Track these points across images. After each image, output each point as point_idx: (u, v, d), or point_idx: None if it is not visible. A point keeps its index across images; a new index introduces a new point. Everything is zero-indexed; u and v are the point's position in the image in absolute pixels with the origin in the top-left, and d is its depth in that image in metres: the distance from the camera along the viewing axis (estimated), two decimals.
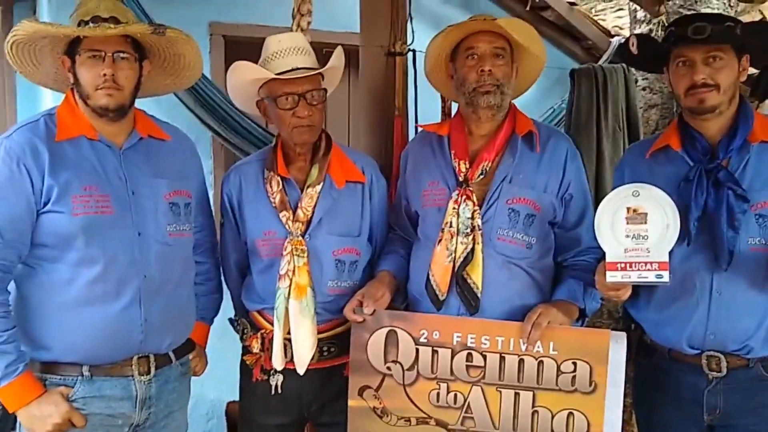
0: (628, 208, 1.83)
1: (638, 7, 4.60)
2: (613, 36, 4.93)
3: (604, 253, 1.85)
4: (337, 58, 2.14)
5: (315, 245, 2.12)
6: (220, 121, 3.55)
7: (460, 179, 2.09)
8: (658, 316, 2.04)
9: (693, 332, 1.96)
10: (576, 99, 3.65)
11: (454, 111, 2.79)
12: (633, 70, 3.98)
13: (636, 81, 4.07)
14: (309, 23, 2.56)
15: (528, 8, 4.45)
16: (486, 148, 2.11)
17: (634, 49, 2.03)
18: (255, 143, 3.56)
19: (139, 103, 2.03)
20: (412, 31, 2.72)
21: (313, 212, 2.14)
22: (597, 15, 5.27)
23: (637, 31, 4.60)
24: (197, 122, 3.64)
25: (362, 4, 2.71)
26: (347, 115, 3.84)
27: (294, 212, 2.13)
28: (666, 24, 4.30)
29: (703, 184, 1.93)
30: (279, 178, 2.16)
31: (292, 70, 2.08)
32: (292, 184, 2.17)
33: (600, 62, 4.65)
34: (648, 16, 4.48)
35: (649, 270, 1.79)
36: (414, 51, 2.75)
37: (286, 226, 2.12)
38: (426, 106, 2.86)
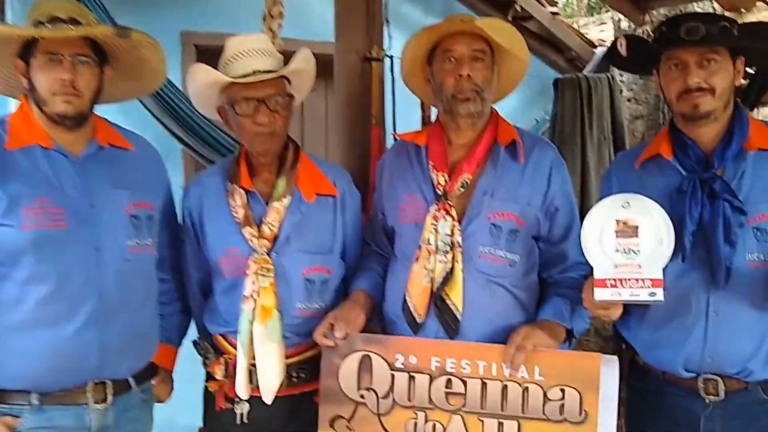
0: (618, 221, 1.70)
1: (622, 18, 4.52)
2: (596, 47, 4.84)
3: (592, 269, 1.71)
4: (303, 59, 1.99)
5: (282, 264, 1.98)
6: (191, 132, 3.39)
7: (439, 192, 1.95)
8: (652, 337, 1.90)
9: (689, 354, 1.83)
10: (560, 109, 3.54)
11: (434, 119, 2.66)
12: (618, 80, 3.89)
13: (621, 91, 3.98)
14: (280, 26, 2.41)
15: (510, 18, 4.34)
16: (466, 159, 1.96)
17: (622, 50, 1.90)
18: (226, 155, 3.39)
19: (106, 114, 1.94)
20: (389, 36, 2.58)
21: (279, 228, 1.99)
22: (580, 29, 5.17)
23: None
24: (167, 134, 3.47)
25: (337, 8, 2.57)
26: (324, 127, 3.69)
27: (259, 228, 1.98)
28: (650, 33, 4.22)
29: (697, 195, 1.80)
30: (242, 191, 2.01)
31: (252, 73, 1.92)
32: (256, 198, 2.02)
33: (585, 71, 4.55)
34: (632, 26, 4.40)
35: (641, 287, 1.66)
36: (391, 57, 2.60)
37: (251, 243, 1.97)
38: (404, 114, 2.73)
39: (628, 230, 1.69)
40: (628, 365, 2.00)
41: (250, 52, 1.96)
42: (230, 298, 2.02)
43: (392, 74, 2.66)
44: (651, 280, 1.66)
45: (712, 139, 1.86)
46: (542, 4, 4.31)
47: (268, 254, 1.97)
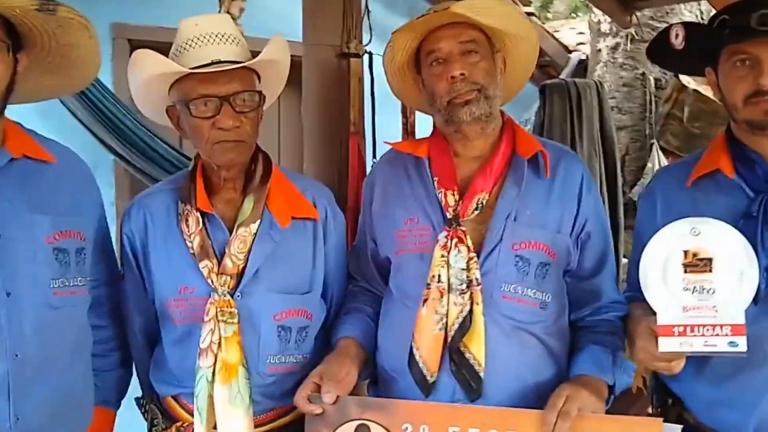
0: (686, 252, 1.43)
1: (602, 20, 4.31)
2: (571, 51, 4.62)
3: (654, 313, 1.43)
4: (277, 48, 1.62)
5: (249, 307, 1.63)
6: (124, 141, 3.00)
7: (449, 216, 1.62)
8: (713, 393, 1.59)
9: (763, 416, 1.52)
10: (548, 118, 3.25)
11: (419, 127, 2.33)
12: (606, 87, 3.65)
13: None
14: (242, 10, 2.01)
15: None
16: (480, 174, 1.63)
17: (677, 42, 1.59)
18: (168, 169, 3.00)
19: (20, 118, 1.60)
20: (370, 29, 2.22)
21: (246, 261, 1.63)
22: (554, 33, 4.96)
23: (603, 44, 4.30)
24: (95, 142, 3.05)
25: None
26: (284, 136, 3.30)
27: (220, 261, 1.62)
28: (634, 35, 4.04)
29: None
30: (199, 215, 1.64)
31: (212, 63, 1.55)
32: (217, 223, 1.65)
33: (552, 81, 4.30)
34: (613, 28, 4.18)
35: (718, 336, 1.39)
36: (371, 53, 2.24)
37: (209, 281, 1.61)
38: (387, 119, 2.36)
39: (699, 263, 1.42)
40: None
41: (209, 38, 1.58)
42: (183, 351, 1.66)
43: (371, 73, 2.30)
44: (730, 326, 1.38)
45: None
46: (515, 3, 4.05)
47: (231, 295, 1.62)
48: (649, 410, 1.85)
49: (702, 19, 4.11)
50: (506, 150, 1.66)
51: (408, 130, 2.40)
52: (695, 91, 3.68)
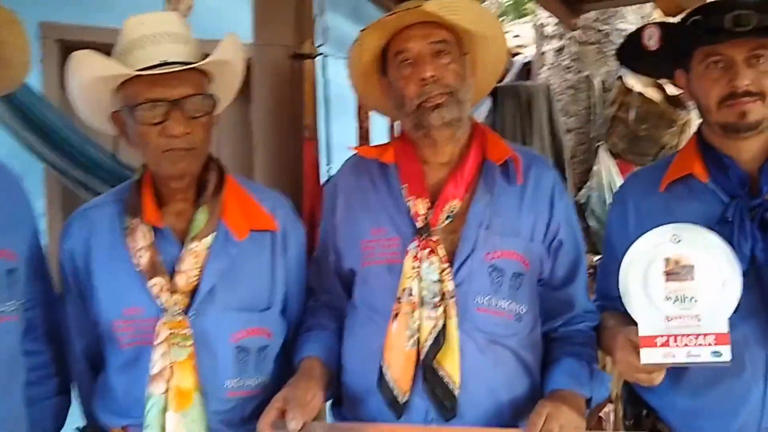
0: (668, 260, 1.38)
1: (546, 23, 4.32)
2: (515, 55, 4.62)
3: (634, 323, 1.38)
4: (231, 47, 1.51)
5: (204, 327, 1.51)
6: (55, 147, 2.77)
7: (419, 225, 1.53)
8: (691, 404, 1.56)
9: (742, 427, 1.50)
10: (499, 121, 3.22)
11: (374, 132, 2.24)
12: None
13: None
14: (189, 8, 1.87)
15: None
16: (451, 180, 1.56)
17: (652, 43, 1.55)
18: (103, 178, 2.80)
19: None
20: (324, 29, 2.12)
21: (200, 278, 1.51)
22: None
23: (548, 47, 4.30)
24: (24, 149, 2.83)
25: None
26: (238, 142, 3.15)
27: (171, 279, 1.50)
28: (578, 38, 4.05)
29: (746, 226, 1.49)
30: (147, 229, 1.52)
31: (160, 64, 1.43)
32: (167, 237, 1.53)
33: (504, 82, 4.29)
34: (558, 31, 4.20)
35: (701, 345, 1.35)
36: (324, 55, 2.14)
37: (159, 300, 1.49)
38: (341, 124, 2.27)
39: (680, 272, 1.38)
40: None
41: (157, 37, 1.45)
42: (131, 378, 1.53)
43: (324, 76, 2.20)
44: (714, 335, 1.34)
45: (754, 155, 1.55)
46: None
47: (184, 315, 1.49)
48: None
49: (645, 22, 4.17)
50: (476, 155, 1.60)
51: (363, 135, 2.31)
52: (640, 93, 3.72)
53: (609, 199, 3.85)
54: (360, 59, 1.59)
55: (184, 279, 1.50)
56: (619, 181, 3.93)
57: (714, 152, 1.58)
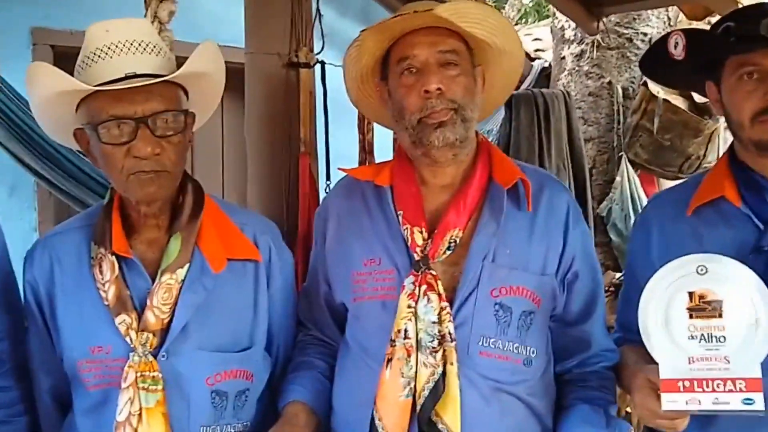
0: (692, 294, 1.28)
1: (566, 26, 4.14)
2: (533, 59, 4.44)
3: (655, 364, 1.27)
4: (206, 57, 1.37)
5: (177, 370, 1.37)
6: (45, 159, 2.67)
7: (416, 257, 1.38)
8: None
9: None
10: (514, 130, 3.05)
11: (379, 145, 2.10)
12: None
13: None
14: (172, 13, 1.73)
15: None
16: (452, 206, 1.41)
17: (678, 52, 1.39)
18: (96, 190, 2.70)
19: None
20: (322, 35, 1.97)
21: (172, 314, 1.38)
22: None
23: (567, 52, 4.13)
24: (14, 162, 2.73)
25: None
26: (221, 157, 3.02)
27: (140, 315, 1.37)
28: (600, 42, 3.87)
29: None
30: (114, 259, 1.38)
31: (126, 77, 1.30)
32: (136, 269, 1.40)
33: (522, 89, 4.11)
34: (578, 35, 4.02)
35: (730, 392, 1.24)
36: (323, 63, 2.00)
37: (128, 339, 1.35)
38: (341, 137, 2.12)
39: (706, 308, 1.27)
40: None
41: (124, 47, 1.32)
42: (97, 423, 1.40)
43: (324, 86, 2.05)
44: (744, 380, 1.23)
45: None
46: None
47: (154, 356, 1.36)
48: None
49: (670, 25, 3.98)
50: (482, 177, 1.44)
51: (366, 148, 2.17)
52: (665, 100, 3.54)
53: (632, 213, 3.67)
54: (358, 62, 1.44)
55: (154, 316, 1.36)
56: (642, 194, 3.75)
57: (748, 173, 1.43)
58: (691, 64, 1.44)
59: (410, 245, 1.39)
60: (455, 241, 1.39)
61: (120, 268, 1.37)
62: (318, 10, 1.94)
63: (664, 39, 1.45)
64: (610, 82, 3.87)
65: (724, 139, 3.73)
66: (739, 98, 1.38)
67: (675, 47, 1.39)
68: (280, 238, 1.56)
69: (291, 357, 1.54)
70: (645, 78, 3.81)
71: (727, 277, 1.27)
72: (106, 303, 1.36)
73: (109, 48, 1.31)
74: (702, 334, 1.25)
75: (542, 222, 1.44)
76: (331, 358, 1.52)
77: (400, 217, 1.42)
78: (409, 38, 1.39)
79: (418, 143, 1.39)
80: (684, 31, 1.40)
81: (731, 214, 1.42)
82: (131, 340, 1.34)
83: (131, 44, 1.32)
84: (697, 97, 3.63)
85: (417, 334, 1.34)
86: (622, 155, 3.80)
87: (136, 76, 1.30)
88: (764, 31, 1.32)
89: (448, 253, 1.38)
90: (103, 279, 1.37)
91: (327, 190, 2.07)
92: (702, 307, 1.26)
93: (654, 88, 3.59)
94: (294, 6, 1.91)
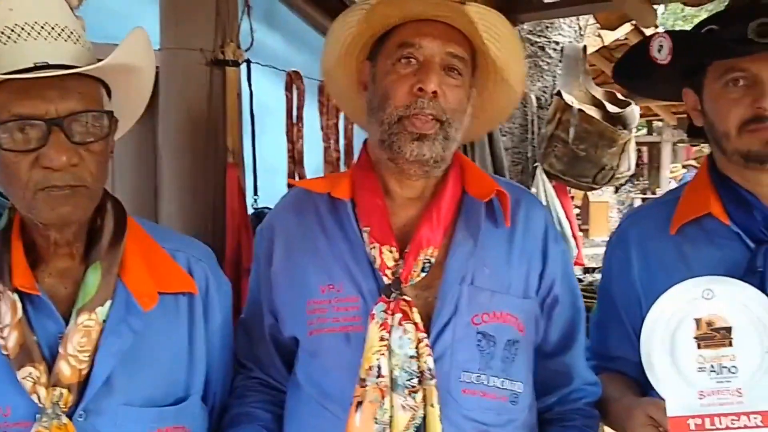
0: (698, 321, 1.18)
1: None
2: None
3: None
4: (137, 46, 1.14)
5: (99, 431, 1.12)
6: None
7: (386, 281, 1.21)
8: None
9: None
10: None
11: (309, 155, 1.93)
12: None
13: None
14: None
15: None
16: (425, 221, 1.26)
17: (662, 56, 1.29)
18: None
19: None
20: (251, 30, 1.76)
21: (92, 364, 1.13)
22: None
23: None
24: None
25: None
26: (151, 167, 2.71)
27: (51, 367, 1.11)
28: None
29: None
30: (16, 297, 1.12)
31: (35, 67, 1.06)
32: (45, 308, 1.14)
33: None
34: None
35: (746, 427, 1.14)
36: (249, 61, 1.78)
37: (34, 397, 1.10)
38: (267, 145, 1.91)
39: (715, 335, 1.18)
40: None
41: (33, 30, 1.07)
42: None
43: (250, 87, 1.84)
44: (760, 414, 1.14)
45: None
46: None
47: (69, 417, 1.11)
48: None
49: (581, 34, 4.01)
50: (455, 190, 1.29)
51: (295, 158, 1.96)
52: (580, 110, 3.54)
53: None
54: (351, 27, 1.26)
55: (69, 366, 1.10)
56: (558, 205, 3.74)
57: (732, 187, 1.35)
58: (667, 71, 1.35)
59: (379, 267, 1.22)
60: (429, 261, 1.23)
61: (24, 308, 1.11)
62: (246, 1, 1.72)
63: (643, 42, 1.36)
64: (523, 92, 3.84)
65: (635, 150, 3.79)
66: (724, 106, 1.30)
67: (659, 50, 1.29)
68: (217, 266, 1.33)
69: (228, 405, 1.33)
70: (558, 87, 3.82)
71: (735, 300, 1.18)
72: (5, 353, 1.10)
73: (12, 30, 1.05)
74: (712, 365, 1.16)
75: (520, 239, 1.30)
76: (277, 406, 1.32)
77: (366, 235, 1.24)
78: (421, 25, 1.23)
79: (388, 145, 1.22)
80: (669, 33, 1.31)
81: (718, 232, 1.33)
82: (39, 398, 1.08)
83: (42, 27, 1.07)
84: (611, 107, 3.67)
85: (392, 372, 1.16)
86: (537, 166, 3.77)
87: (48, 66, 1.05)
88: (752, 35, 1.25)
89: (423, 275, 1.22)
90: (1, 323, 1.11)
91: (255, 206, 1.86)
92: (710, 335, 1.17)
93: (568, 98, 3.59)
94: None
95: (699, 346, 1.17)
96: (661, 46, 1.30)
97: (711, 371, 1.16)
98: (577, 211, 9.85)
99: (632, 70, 1.42)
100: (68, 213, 1.10)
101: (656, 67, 1.34)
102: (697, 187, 1.40)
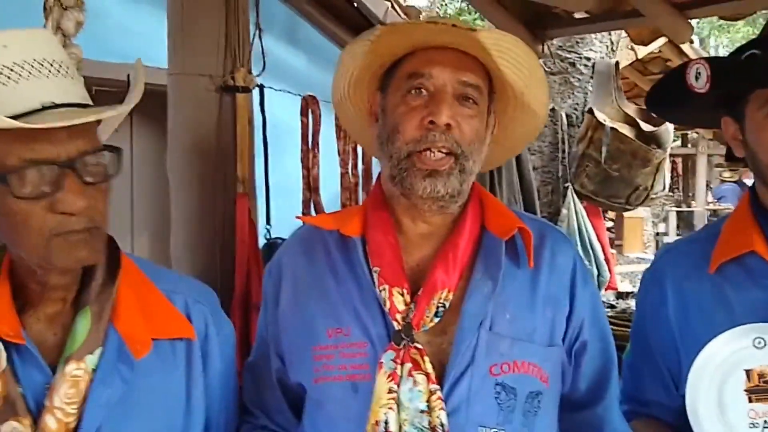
0: (749, 372, 1.13)
1: None
2: None
3: None
4: (142, 80, 1.07)
5: None
6: None
7: (396, 326, 1.13)
8: None
9: None
10: None
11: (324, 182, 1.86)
12: None
13: None
14: (80, 24, 1.41)
15: None
16: (440, 262, 1.17)
17: (700, 85, 1.19)
18: None
19: None
20: (263, 55, 1.69)
21: (80, 417, 1.06)
22: None
23: None
24: None
25: (170, 6, 1.64)
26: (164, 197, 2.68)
27: (36, 420, 1.05)
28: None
29: None
30: (1, 346, 1.05)
31: (43, 109, 1.00)
32: (31, 358, 1.07)
33: None
34: None
35: None
36: (261, 86, 1.72)
37: None
38: (282, 173, 1.84)
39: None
40: None
41: (33, 68, 1.01)
42: None
43: (263, 114, 1.78)
44: None
45: None
46: None
47: None
48: None
49: (612, 50, 3.90)
50: (473, 226, 1.20)
51: (311, 185, 1.89)
52: (613, 129, 3.43)
53: (580, 247, 3.52)
54: (360, 59, 1.19)
55: (55, 420, 1.04)
56: (590, 227, 3.61)
57: None
58: (709, 98, 1.25)
59: (388, 311, 1.13)
60: (444, 305, 1.14)
61: (9, 357, 1.05)
62: (258, 24, 1.66)
63: (679, 70, 1.26)
64: (553, 109, 3.73)
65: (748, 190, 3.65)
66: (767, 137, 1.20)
67: (697, 79, 1.20)
68: (218, 308, 1.26)
69: None
70: (590, 104, 3.71)
71: None
72: None
73: (12, 70, 0.99)
74: (765, 421, 1.11)
75: (545, 281, 1.21)
76: None
77: (376, 276, 1.16)
78: (431, 53, 1.15)
79: (400, 181, 1.15)
80: (706, 59, 1.21)
81: (763, 272, 1.23)
82: None
83: (41, 64, 1.00)
84: (645, 126, 3.55)
85: (400, 428, 1.07)
86: (568, 186, 3.66)
87: (55, 105, 0.99)
88: None
89: (436, 320, 1.13)
90: None
91: (268, 237, 1.79)
92: (763, 388, 1.10)
93: (600, 115, 3.48)
94: (228, 19, 1.62)
95: (750, 400, 1.11)
96: (699, 73, 1.20)
97: (764, 427, 1.10)
98: (610, 224, 9.63)
99: (667, 98, 1.32)
100: (86, 257, 1.04)
101: (693, 96, 1.25)
102: (737, 222, 1.29)
